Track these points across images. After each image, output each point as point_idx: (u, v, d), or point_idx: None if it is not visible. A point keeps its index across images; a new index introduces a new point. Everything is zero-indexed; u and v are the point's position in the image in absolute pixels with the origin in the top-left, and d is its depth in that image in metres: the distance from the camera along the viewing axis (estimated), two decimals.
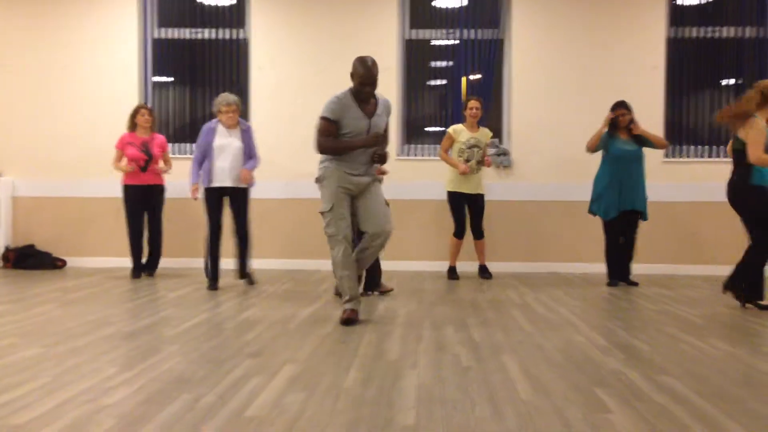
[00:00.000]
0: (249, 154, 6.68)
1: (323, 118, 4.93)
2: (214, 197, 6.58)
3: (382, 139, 4.95)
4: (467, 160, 7.36)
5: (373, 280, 6.31)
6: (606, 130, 6.99)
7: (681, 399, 3.21)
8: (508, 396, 3.23)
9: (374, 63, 4.92)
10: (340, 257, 4.93)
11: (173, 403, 3.08)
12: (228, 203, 6.66)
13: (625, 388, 3.38)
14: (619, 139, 6.95)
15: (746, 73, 8.30)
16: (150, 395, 3.20)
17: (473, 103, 7.43)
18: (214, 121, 6.67)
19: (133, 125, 7.41)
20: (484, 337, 4.52)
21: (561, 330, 4.80)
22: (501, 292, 6.56)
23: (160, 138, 7.53)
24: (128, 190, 7.37)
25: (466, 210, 7.49)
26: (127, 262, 7.66)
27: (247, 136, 6.66)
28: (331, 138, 4.94)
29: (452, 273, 7.56)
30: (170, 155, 7.74)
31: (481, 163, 7.42)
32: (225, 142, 6.55)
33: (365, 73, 4.85)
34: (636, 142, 6.96)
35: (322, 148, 4.99)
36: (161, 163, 7.49)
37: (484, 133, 7.53)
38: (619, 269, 7.03)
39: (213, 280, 6.60)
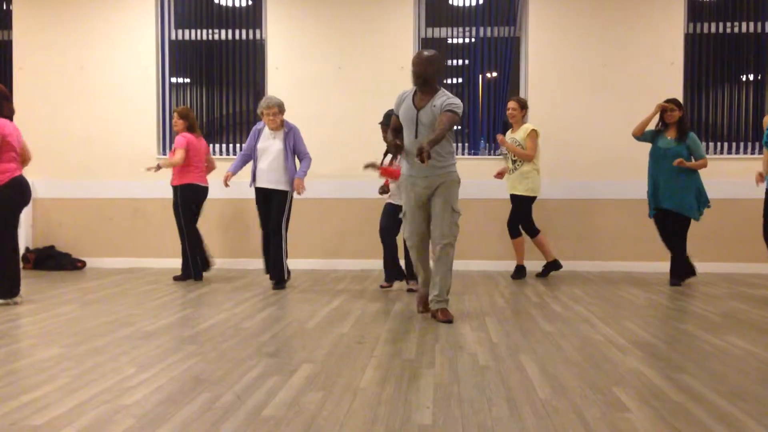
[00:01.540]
0: (298, 156, 6.71)
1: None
2: (259, 197, 6.70)
3: (395, 148, 5.10)
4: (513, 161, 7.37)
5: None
6: (657, 124, 6.89)
7: (700, 398, 3.19)
8: (526, 395, 3.22)
9: (432, 53, 5.08)
10: (411, 254, 5.37)
11: (192, 403, 3.10)
12: (269, 202, 6.69)
13: (644, 387, 3.37)
14: (663, 137, 6.81)
15: (765, 68, 8.23)
16: (169, 395, 3.22)
17: (509, 104, 7.41)
18: (261, 123, 6.75)
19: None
20: (502, 336, 4.52)
21: (579, 328, 4.78)
22: (519, 291, 6.54)
23: (177, 139, 7.31)
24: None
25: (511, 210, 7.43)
26: (146, 262, 7.68)
27: (290, 138, 6.65)
28: (393, 131, 5.27)
29: (518, 272, 7.49)
30: (179, 151, 7.17)
31: (516, 161, 7.30)
32: (266, 144, 6.62)
33: (414, 58, 5.06)
34: (680, 141, 6.77)
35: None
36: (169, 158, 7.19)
37: (521, 131, 7.33)
38: (678, 272, 6.91)
39: (275, 277, 6.62)
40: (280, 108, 6.63)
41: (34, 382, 3.43)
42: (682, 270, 6.91)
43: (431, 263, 5.22)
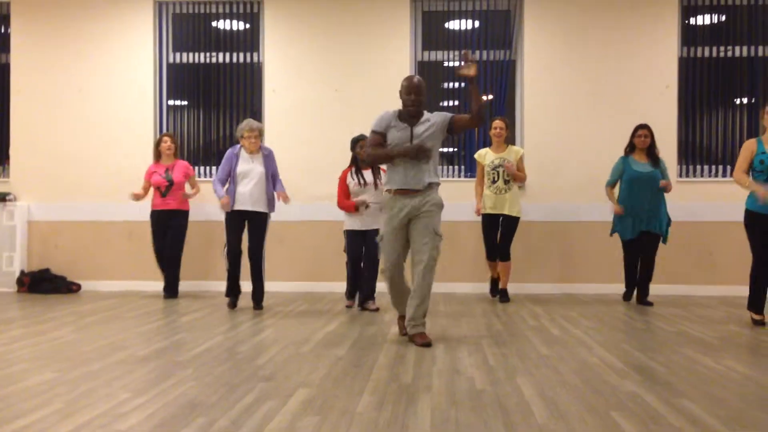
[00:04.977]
0: (274, 178, 6.78)
1: (372, 131, 5.11)
2: (236, 221, 6.65)
3: (423, 151, 4.92)
4: (494, 182, 7.18)
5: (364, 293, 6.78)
6: (625, 149, 7.08)
7: (699, 422, 3.17)
8: (524, 420, 3.20)
9: (420, 80, 5.12)
10: (387, 285, 5.20)
11: (186, 428, 3.06)
12: (247, 226, 6.71)
13: (642, 411, 3.34)
14: (635, 161, 6.95)
15: (759, 92, 8.28)
16: (163, 420, 3.18)
17: (497, 123, 7.26)
18: (237, 146, 6.76)
19: (158, 154, 7.76)
20: (499, 360, 4.49)
21: (576, 352, 4.75)
22: (515, 313, 6.52)
23: (182, 164, 7.80)
24: (153, 214, 7.69)
25: (498, 232, 7.29)
26: (141, 285, 7.69)
27: (271, 161, 6.76)
28: (378, 147, 5.06)
29: (493, 286, 7.53)
30: (196, 179, 7.99)
31: (509, 182, 7.17)
32: (247, 167, 6.63)
33: (408, 84, 5.05)
34: (653, 164, 6.95)
35: (368, 158, 5.14)
36: (187, 187, 7.75)
37: (513, 152, 7.26)
38: (633, 289, 7.11)
39: (232, 298, 6.78)
40: (261, 131, 6.74)
41: (27, 407, 3.39)
42: (648, 290, 7.12)
43: (410, 286, 5.16)
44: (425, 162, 4.99)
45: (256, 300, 6.75)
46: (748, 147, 5.80)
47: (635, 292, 7.20)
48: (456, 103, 8.59)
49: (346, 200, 6.71)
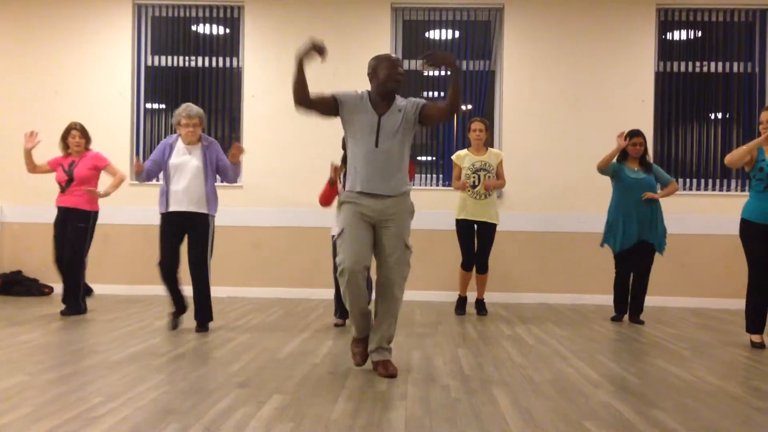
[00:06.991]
0: (222, 170, 5.72)
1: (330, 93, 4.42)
2: (172, 225, 5.61)
3: (317, 45, 4.24)
4: (473, 186, 6.86)
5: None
6: (615, 158, 6.71)
7: None
8: (498, 429, 3.20)
9: (399, 60, 4.42)
10: (344, 290, 4.22)
11: None
12: (186, 231, 5.68)
13: (616, 421, 3.36)
14: (628, 168, 6.67)
15: (733, 107, 8.40)
16: (136, 425, 3.15)
17: (476, 125, 6.90)
18: (174, 135, 5.73)
19: (65, 146, 6.67)
20: (474, 369, 4.50)
21: (551, 362, 4.78)
22: (491, 323, 6.54)
23: (90, 156, 6.68)
24: (57, 212, 6.67)
25: (475, 240, 7.00)
26: (115, 289, 7.59)
27: (212, 152, 5.67)
28: (309, 96, 4.41)
29: (460, 306, 7.11)
30: (115, 166, 6.82)
31: (490, 187, 6.88)
32: (182, 160, 5.60)
33: (388, 63, 4.31)
34: (646, 171, 6.69)
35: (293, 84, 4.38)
36: (110, 186, 6.68)
37: (493, 155, 6.95)
38: (625, 305, 6.78)
39: (173, 317, 5.81)
40: (201, 120, 5.63)
41: None
42: (642, 307, 6.76)
43: (374, 306, 4.42)
44: (398, 161, 4.29)
45: (200, 320, 5.74)
46: (754, 146, 5.35)
47: (627, 309, 6.82)
48: None
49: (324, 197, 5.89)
